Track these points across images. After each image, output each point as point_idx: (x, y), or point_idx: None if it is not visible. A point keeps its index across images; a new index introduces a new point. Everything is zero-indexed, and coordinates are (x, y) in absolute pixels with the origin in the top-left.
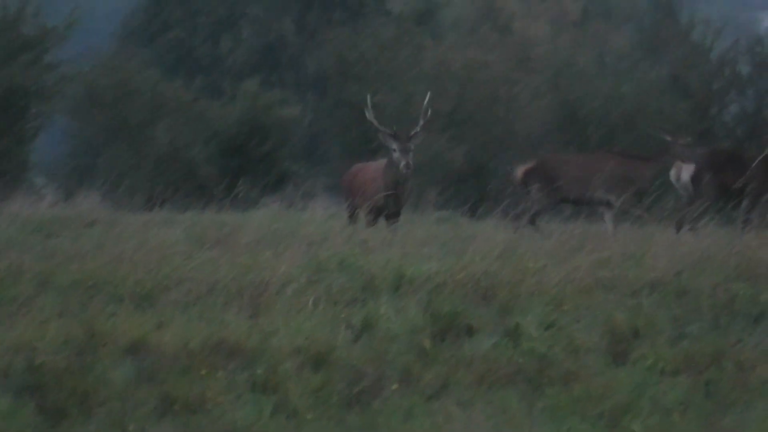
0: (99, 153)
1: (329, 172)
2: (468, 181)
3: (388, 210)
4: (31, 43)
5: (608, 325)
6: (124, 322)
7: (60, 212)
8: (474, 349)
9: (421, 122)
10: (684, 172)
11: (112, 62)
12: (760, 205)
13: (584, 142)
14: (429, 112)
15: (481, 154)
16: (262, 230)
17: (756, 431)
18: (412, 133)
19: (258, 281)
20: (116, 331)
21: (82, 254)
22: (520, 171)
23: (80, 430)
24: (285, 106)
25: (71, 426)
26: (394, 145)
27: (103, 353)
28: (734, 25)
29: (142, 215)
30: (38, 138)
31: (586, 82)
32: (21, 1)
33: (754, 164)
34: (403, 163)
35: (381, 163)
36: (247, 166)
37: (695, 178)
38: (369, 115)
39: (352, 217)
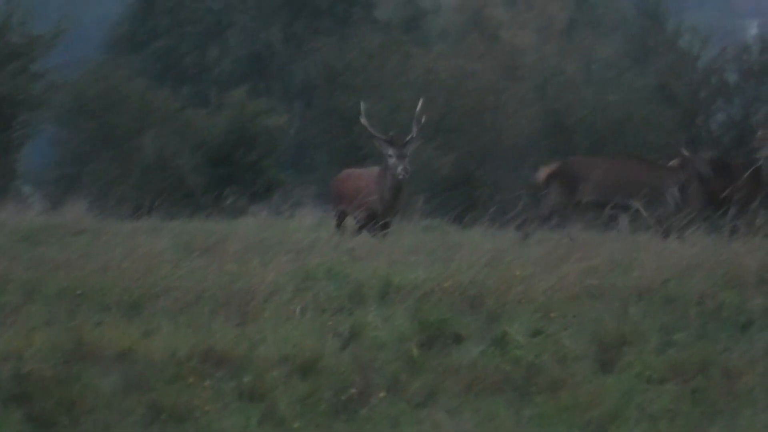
0: (86, 161)
1: (317, 180)
2: (455, 189)
3: (383, 218)
4: (18, 51)
5: (596, 333)
6: (111, 331)
7: (47, 221)
8: (462, 357)
9: (415, 129)
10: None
11: (100, 71)
12: (747, 213)
13: (571, 151)
14: (423, 119)
15: (468, 162)
16: (249, 239)
17: None
18: (408, 138)
19: (246, 289)
20: (104, 340)
21: (69, 263)
22: (543, 173)
23: None
24: (272, 115)
25: None
26: (390, 151)
27: (90, 362)
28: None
29: (130, 224)
30: (26, 146)
31: (573, 90)
32: (8, 9)
33: (745, 174)
34: (400, 168)
35: (373, 170)
36: (234, 174)
37: (682, 187)
38: (364, 121)
39: (340, 223)
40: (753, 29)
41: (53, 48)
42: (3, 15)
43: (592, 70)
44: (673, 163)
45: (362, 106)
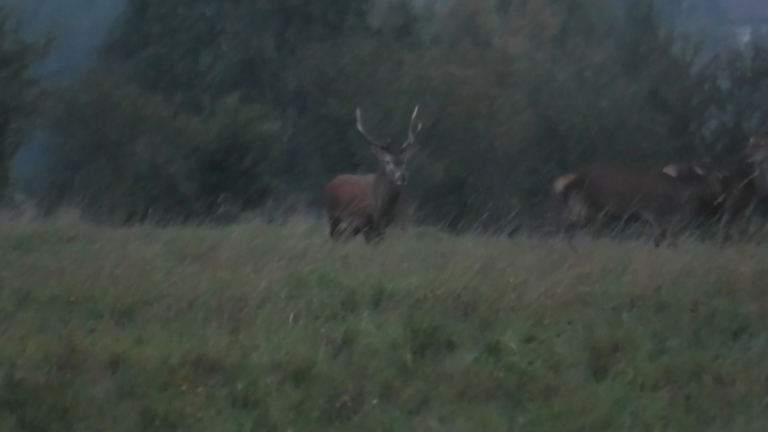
0: (79, 168)
1: (309, 187)
2: (448, 195)
3: (377, 225)
4: (10, 58)
5: (589, 339)
6: (104, 338)
7: (40, 227)
8: (454, 364)
9: (411, 135)
10: None
11: (92, 78)
12: (739, 220)
13: (564, 157)
14: (420, 126)
15: (461, 169)
16: (242, 245)
17: None
18: (404, 145)
19: (238, 296)
20: (96, 347)
21: (61, 270)
22: (560, 184)
23: None
24: (265, 122)
25: None
26: (387, 158)
27: (83, 369)
28: (713, 40)
29: (123, 230)
30: (18, 153)
31: (565, 96)
32: (1, 16)
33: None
34: (397, 175)
35: (369, 177)
36: (227, 181)
37: (690, 199)
38: (360, 127)
39: (334, 230)
40: (745, 36)
41: (46, 55)
42: None
43: (585, 77)
44: (667, 169)
45: (358, 113)
